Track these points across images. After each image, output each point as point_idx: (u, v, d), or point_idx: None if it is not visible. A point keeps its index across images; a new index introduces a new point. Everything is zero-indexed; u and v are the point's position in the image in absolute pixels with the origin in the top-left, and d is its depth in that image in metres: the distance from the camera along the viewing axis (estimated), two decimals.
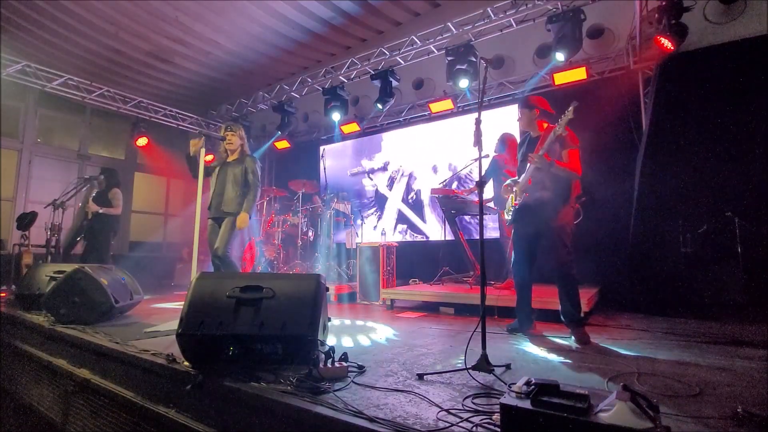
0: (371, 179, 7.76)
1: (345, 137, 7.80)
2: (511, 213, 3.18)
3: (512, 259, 3.24)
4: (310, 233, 6.64)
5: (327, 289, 2.34)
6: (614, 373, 2.06)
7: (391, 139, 7.58)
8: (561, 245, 2.88)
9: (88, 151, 9.35)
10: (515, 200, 3.13)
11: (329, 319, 2.47)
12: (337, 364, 2.01)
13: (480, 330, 2.10)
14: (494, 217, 5.37)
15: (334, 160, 8.08)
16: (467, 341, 2.15)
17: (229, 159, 3.92)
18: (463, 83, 5.60)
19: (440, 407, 1.58)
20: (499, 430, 1.31)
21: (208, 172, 3.86)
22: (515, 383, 1.32)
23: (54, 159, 8.81)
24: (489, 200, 4.81)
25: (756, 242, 4.11)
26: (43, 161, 8.61)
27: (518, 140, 3.76)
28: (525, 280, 3.15)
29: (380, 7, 6.61)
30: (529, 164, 2.96)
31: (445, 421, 1.45)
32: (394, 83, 6.35)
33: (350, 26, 7.04)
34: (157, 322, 3.63)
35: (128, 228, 9.74)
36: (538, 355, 2.54)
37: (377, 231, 7.35)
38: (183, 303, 2.13)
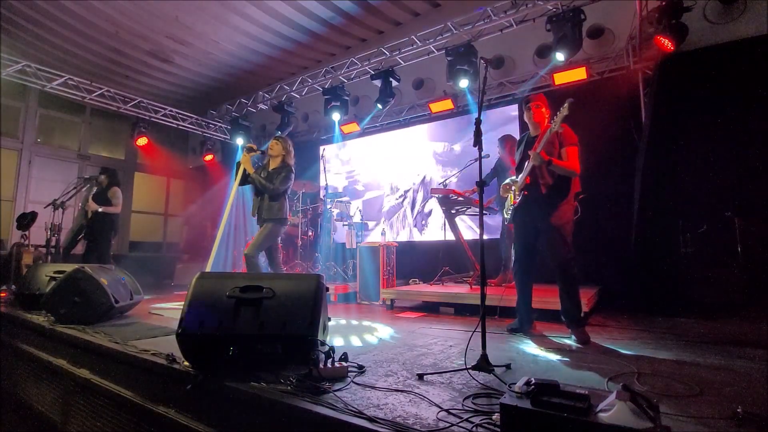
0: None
1: (345, 137, 7.81)
2: (510, 212, 3.18)
3: (513, 258, 3.24)
4: (310, 233, 6.65)
5: (327, 289, 2.34)
6: (614, 373, 2.06)
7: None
8: (562, 243, 2.87)
9: (88, 151, 9.36)
10: (514, 199, 3.13)
11: (329, 319, 2.47)
12: (337, 364, 2.01)
13: (480, 330, 2.10)
14: (497, 218, 5.36)
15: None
16: (467, 341, 2.15)
17: (270, 167, 4.08)
18: (463, 83, 5.59)
19: (440, 407, 1.58)
20: (499, 430, 1.32)
21: (247, 180, 4.04)
22: (515, 383, 1.32)
23: (54, 159, 8.82)
24: (490, 200, 4.81)
25: (756, 242, 4.11)
26: (43, 161, 8.62)
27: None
28: (525, 279, 3.14)
29: (380, 7, 6.61)
30: (527, 162, 2.96)
31: (445, 421, 1.45)
32: (394, 83, 6.34)
33: (350, 26, 7.04)
34: (158, 322, 3.64)
35: (128, 228, 9.75)
36: (538, 355, 2.54)
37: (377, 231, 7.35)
38: (183, 303, 2.13)
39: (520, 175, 3.04)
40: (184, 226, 10.44)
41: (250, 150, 4.06)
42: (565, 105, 2.72)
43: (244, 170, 3.95)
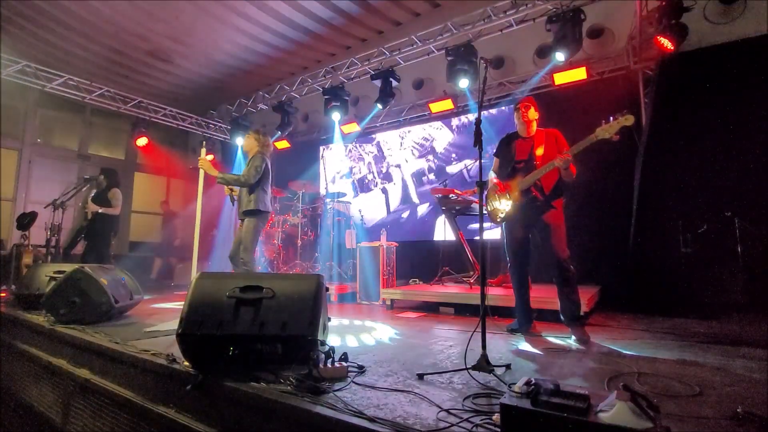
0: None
1: (345, 137, 7.81)
2: (503, 213, 3.14)
3: (508, 260, 3.22)
4: (310, 233, 6.65)
5: (327, 289, 2.34)
6: (614, 373, 2.06)
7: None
8: (559, 243, 2.89)
9: (88, 151, 9.35)
10: (506, 199, 3.08)
11: (329, 319, 2.47)
12: (337, 364, 2.01)
13: (480, 330, 2.10)
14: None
15: None
16: (467, 341, 2.15)
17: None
18: (463, 83, 5.59)
19: (440, 407, 1.58)
20: (499, 430, 1.31)
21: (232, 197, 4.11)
22: (515, 383, 1.32)
23: (54, 159, 8.81)
24: None
25: (756, 242, 4.11)
26: (43, 161, 8.60)
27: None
28: (522, 279, 3.14)
29: (380, 7, 6.60)
30: (535, 162, 2.95)
31: (446, 421, 1.45)
32: (394, 83, 6.35)
33: (350, 26, 7.04)
34: (157, 322, 3.63)
35: (128, 228, 9.74)
36: (538, 355, 2.54)
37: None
38: (183, 303, 2.13)
39: (531, 175, 2.96)
40: (162, 226, 10.14)
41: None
42: (629, 116, 2.61)
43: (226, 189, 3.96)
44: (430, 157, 7.14)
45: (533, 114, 3.10)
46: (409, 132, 7.40)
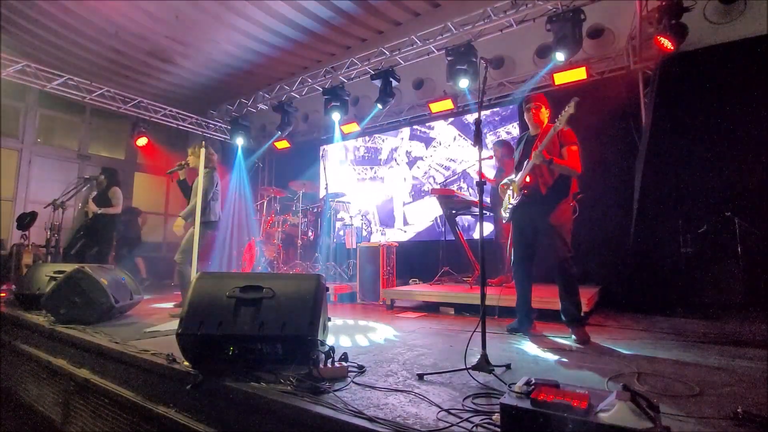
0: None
1: (345, 137, 7.81)
2: (508, 211, 3.18)
3: (511, 258, 3.24)
4: (310, 233, 6.64)
5: (327, 289, 2.34)
6: (614, 373, 2.06)
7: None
8: (561, 243, 2.87)
9: (88, 151, 9.35)
10: (512, 198, 3.12)
11: (329, 319, 2.47)
12: (337, 364, 2.01)
13: (480, 330, 2.10)
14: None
15: None
16: (467, 341, 2.14)
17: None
18: (463, 83, 5.59)
19: (440, 407, 1.58)
20: (499, 430, 1.31)
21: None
22: (515, 383, 1.32)
23: (54, 159, 8.81)
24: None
25: (756, 242, 4.11)
26: (43, 161, 8.60)
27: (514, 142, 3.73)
28: (525, 279, 3.14)
29: (380, 7, 6.61)
30: (527, 161, 2.96)
31: (445, 421, 1.45)
32: (394, 83, 6.34)
33: (350, 26, 7.04)
34: (157, 322, 3.63)
35: None
36: (538, 355, 2.54)
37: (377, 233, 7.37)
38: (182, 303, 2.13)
39: (520, 174, 3.04)
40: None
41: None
42: (571, 104, 2.70)
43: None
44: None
45: (545, 113, 3.12)
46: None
